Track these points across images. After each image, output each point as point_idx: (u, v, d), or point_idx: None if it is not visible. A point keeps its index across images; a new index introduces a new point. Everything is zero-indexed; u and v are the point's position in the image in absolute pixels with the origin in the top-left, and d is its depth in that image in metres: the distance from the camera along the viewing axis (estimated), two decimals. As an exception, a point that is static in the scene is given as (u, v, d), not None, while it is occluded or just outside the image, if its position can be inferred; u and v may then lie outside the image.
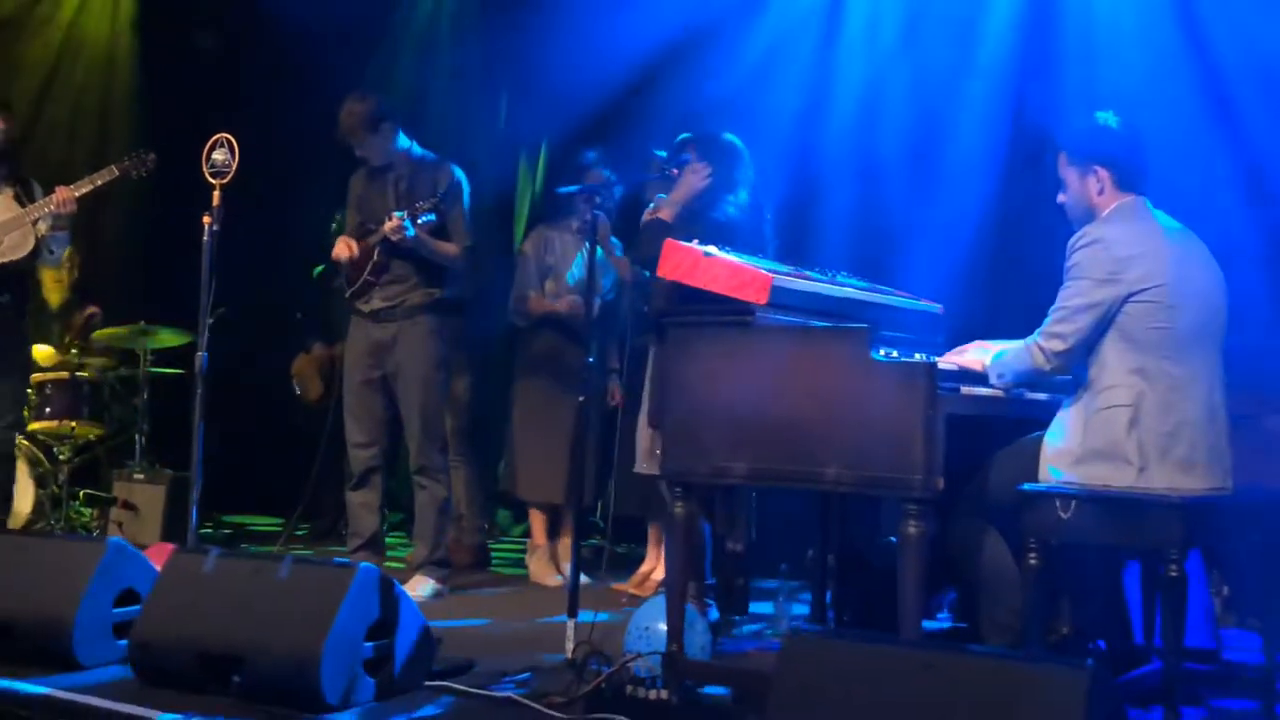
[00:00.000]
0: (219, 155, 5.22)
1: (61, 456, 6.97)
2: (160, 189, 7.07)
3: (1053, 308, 3.70)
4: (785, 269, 4.05)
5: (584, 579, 6.20)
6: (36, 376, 6.84)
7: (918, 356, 3.66)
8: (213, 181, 5.22)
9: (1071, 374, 3.78)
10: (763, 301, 3.77)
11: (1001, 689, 2.78)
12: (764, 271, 3.82)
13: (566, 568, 6.26)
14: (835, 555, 4.53)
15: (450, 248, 5.71)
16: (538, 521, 6.36)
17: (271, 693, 3.61)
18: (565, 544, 6.30)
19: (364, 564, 3.82)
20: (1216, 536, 3.70)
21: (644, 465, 5.34)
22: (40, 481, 6.91)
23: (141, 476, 7.00)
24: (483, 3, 8.58)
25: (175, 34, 8.95)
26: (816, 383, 3.62)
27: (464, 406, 6.66)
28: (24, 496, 6.78)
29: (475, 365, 6.75)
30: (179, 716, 3.51)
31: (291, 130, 8.00)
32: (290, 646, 3.62)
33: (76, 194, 5.62)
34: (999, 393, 3.85)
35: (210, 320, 7.50)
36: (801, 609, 5.06)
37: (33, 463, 6.90)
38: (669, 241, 4.00)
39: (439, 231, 5.67)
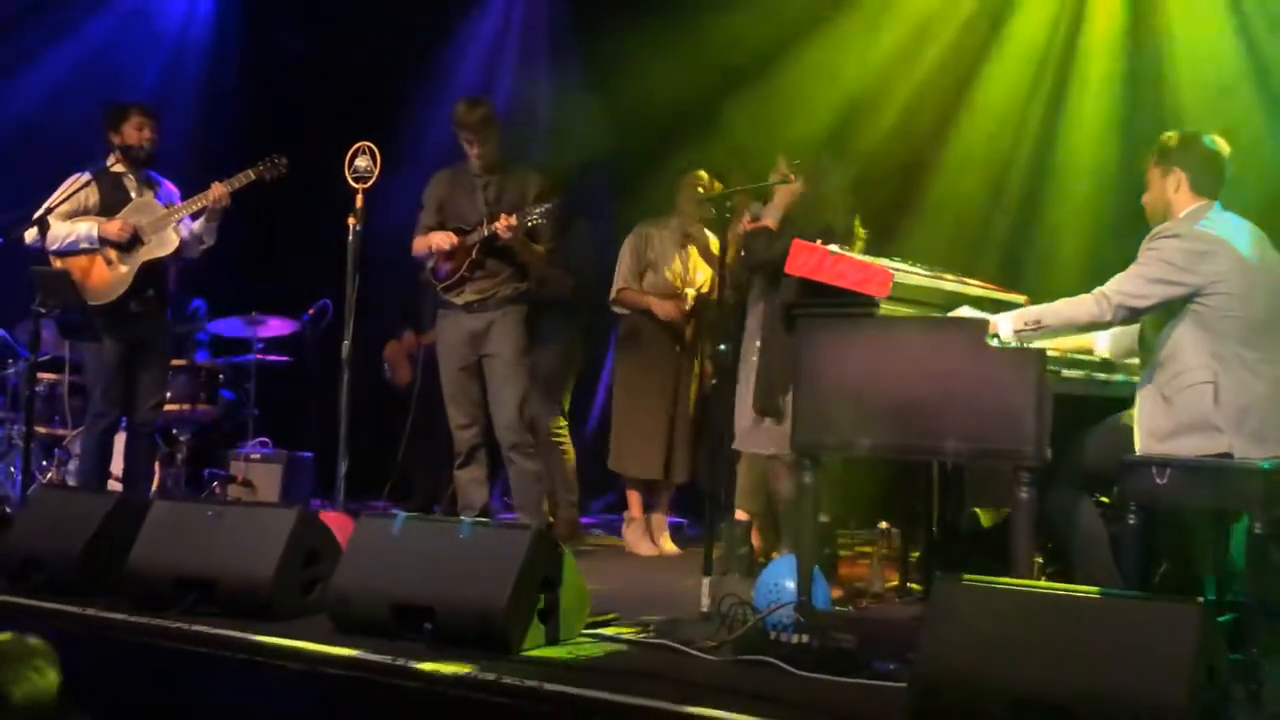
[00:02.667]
0: (362, 161, 5.74)
1: (181, 438, 7.50)
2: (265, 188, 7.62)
3: (1123, 275, 4.18)
4: (894, 264, 4.56)
5: (677, 549, 6.79)
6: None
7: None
8: (355, 186, 5.76)
9: (1140, 356, 4.33)
10: (885, 295, 4.28)
11: (1127, 623, 3.28)
12: (886, 268, 4.33)
13: (660, 539, 6.83)
14: (935, 523, 5.04)
15: (540, 250, 6.22)
16: (634, 496, 6.87)
17: (460, 638, 4.11)
18: (658, 517, 6.86)
19: (535, 526, 4.33)
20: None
21: (743, 443, 5.82)
22: (163, 461, 7.42)
23: (258, 457, 7.51)
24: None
25: (266, 35, 9.42)
26: (938, 366, 4.11)
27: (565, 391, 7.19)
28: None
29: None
30: (386, 657, 4.01)
31: (376, 131, 8.53)
32: (479, 598, 4.14)
33: (230, 190, 6.11)
34: (1094, 376, 4.40)
35: (312, 311, 8.11)
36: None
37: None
38: (797, 242, 4.50)
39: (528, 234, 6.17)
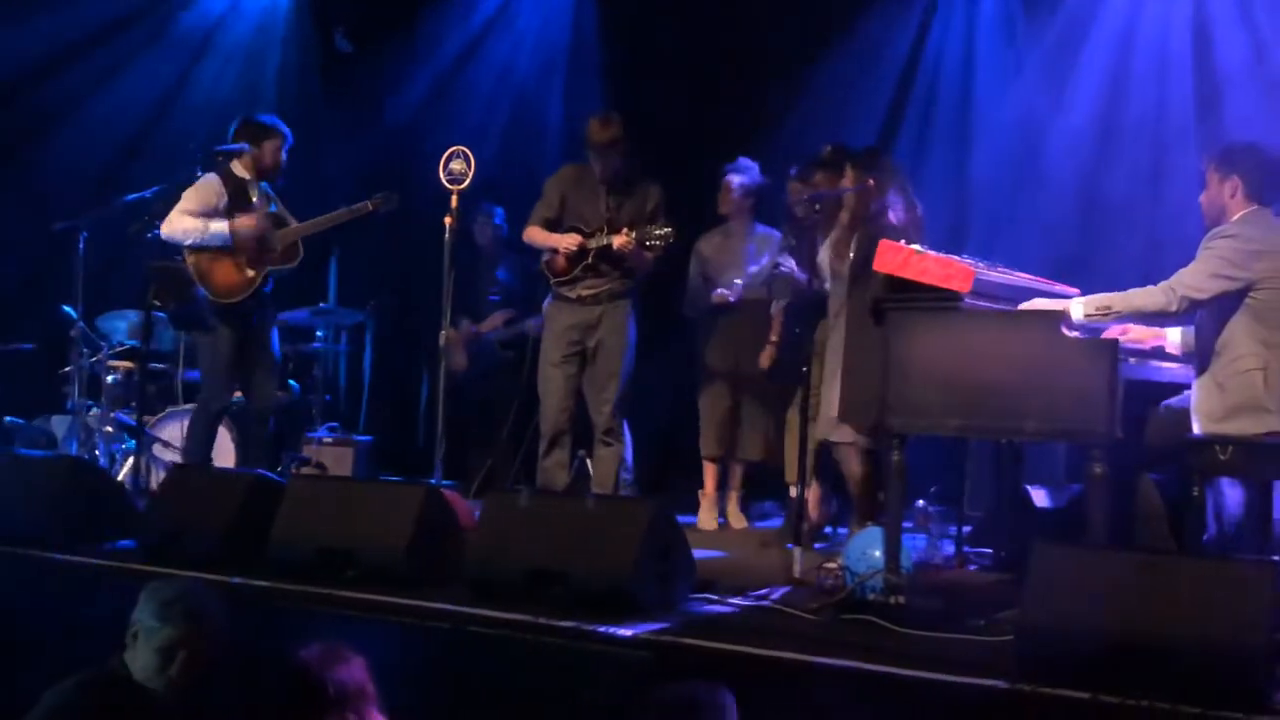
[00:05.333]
0: (456, 165, 6.17)
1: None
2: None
3: (1185, 270, 4.66)
4: (970, 260, 5.01)
5: (746, 524, 7.27)
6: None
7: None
8: (450, 188, 6.18)
9: (1195, 346, 4.81)
10: (967, 290, 4.73)
11: (1208, 581, 3.74)
12: (967, 265, 4.79)
13: (731, 513, 7.32)
14: (1005, 499, 5.52)
15: (650, 258, 6.65)
16: (709, 473, 7.38)
17: (591, 601, 4.53)
18: (731, 493, 7.38)
19: (653, 499, 4.77)
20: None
21: (829, 433, 6.23)
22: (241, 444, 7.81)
23: (330, 440, 7.93)
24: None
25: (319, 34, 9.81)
26: (1019, 354, 4.57)
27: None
28: (227, 458, 7.68)
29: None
30: (528, 616, 4.45)
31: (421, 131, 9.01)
32: (606, 564, 4.58)
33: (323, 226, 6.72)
34: (1154, 362, 4.88)
35: (373, 302, 8.55)
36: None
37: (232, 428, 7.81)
38: (883, 241, 4.97)
39: None
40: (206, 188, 6.60)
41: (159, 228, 6.52)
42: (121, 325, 7.99)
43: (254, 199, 6.71)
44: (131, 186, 7.21)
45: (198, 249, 6.53)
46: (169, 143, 7.29)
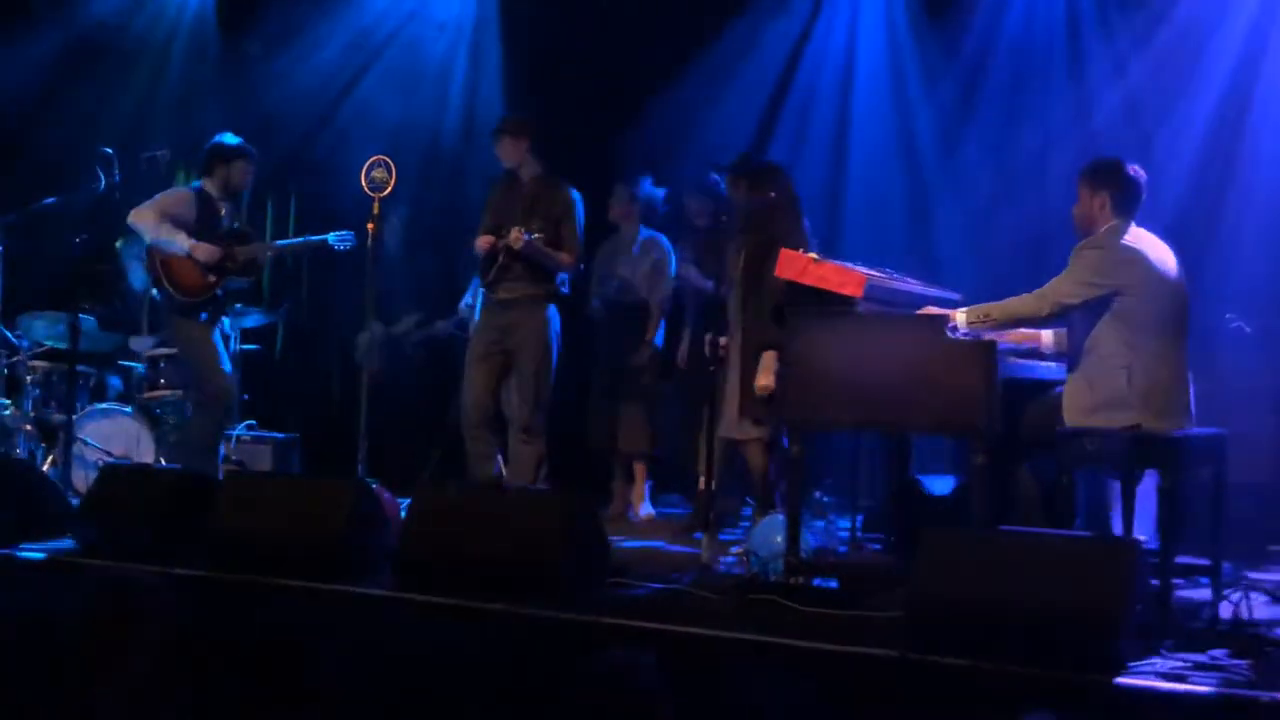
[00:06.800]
0: (377, 173, 6.45)
1: (172, 421, 8.10)
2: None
3: (1057, 279, 5.09)
4: (864, 268, 5.42)
5: (653, 514, 7.63)
6: (149, 353, 8.00)
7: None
8: (371, 195, 6.46)
9: (1067, 346, 5.27)
10: (860, 295, 5.16)
11: (1076, 559, 4.18)
12: (860, 272, 5.20)
13: (636, 505, 7.70)
14: (896, 489, 5.96)
15: (564, 257, 6.94)
16: (619, 467, 7.85)
17: (518, 586, 4.85)
18: (638, 486, 7.77)
19: (573, 492, 5.13)
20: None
21: (731, 431, 6.58)
22: (159, 441, 8.02)
23: (249, 438, 8.15)
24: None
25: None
26: (908, 356, 5.00)
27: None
28: (147, 455, 7.88)
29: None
30: (452, 599, 4.78)
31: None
32: (531, 551, 4.93)
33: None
34: (1029, 361, 5.34)
35: (289, 303, 8.79)
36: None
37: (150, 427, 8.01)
38: (784, 250, 5.38)
39: (554, 243, 6.92)
40: (183, 199, 7.01)
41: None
42: (40, 325, 8.12)
43: (222, 214, 7.09)
44: (48, 190, 7.43)
45: (158, 247, 6.89)
46: (88, 149, 7.45)
